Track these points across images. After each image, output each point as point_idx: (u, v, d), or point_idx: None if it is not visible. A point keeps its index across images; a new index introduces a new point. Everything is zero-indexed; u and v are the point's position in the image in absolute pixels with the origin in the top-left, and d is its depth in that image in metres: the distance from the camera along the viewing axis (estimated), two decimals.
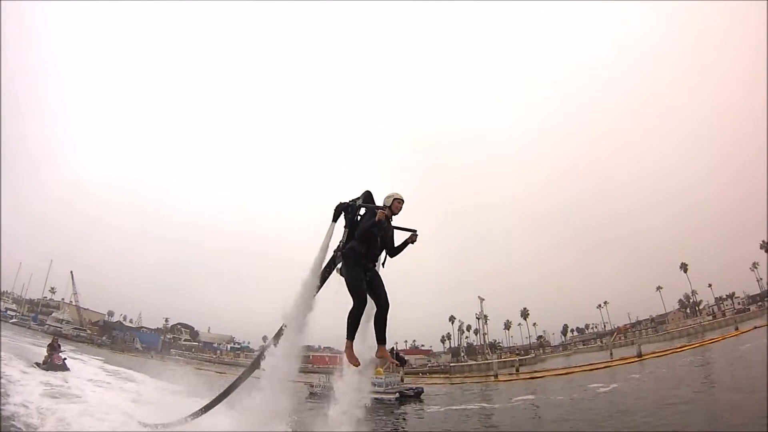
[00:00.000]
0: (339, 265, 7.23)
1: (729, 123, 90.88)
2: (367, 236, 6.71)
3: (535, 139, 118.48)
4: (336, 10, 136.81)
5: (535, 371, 46.21)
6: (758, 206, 72.85)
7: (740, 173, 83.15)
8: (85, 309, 62.77)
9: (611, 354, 46.57)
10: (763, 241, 65.63)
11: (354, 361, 6.31)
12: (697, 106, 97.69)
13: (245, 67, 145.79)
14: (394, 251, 7.06)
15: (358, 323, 6.35)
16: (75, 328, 57.48)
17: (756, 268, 65.66)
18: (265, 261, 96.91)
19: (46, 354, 20.47)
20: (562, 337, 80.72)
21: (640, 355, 37.12)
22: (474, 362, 69.13)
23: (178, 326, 69.83)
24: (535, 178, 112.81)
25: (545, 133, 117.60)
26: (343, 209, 7.63)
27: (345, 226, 7.61)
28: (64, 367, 20.06)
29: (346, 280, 6.63)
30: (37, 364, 19.47)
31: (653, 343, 57.71)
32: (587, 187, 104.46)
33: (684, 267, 70.59)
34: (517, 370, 47.75)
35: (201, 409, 10.56)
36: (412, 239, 6.99)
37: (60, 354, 20.81)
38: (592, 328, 79.08)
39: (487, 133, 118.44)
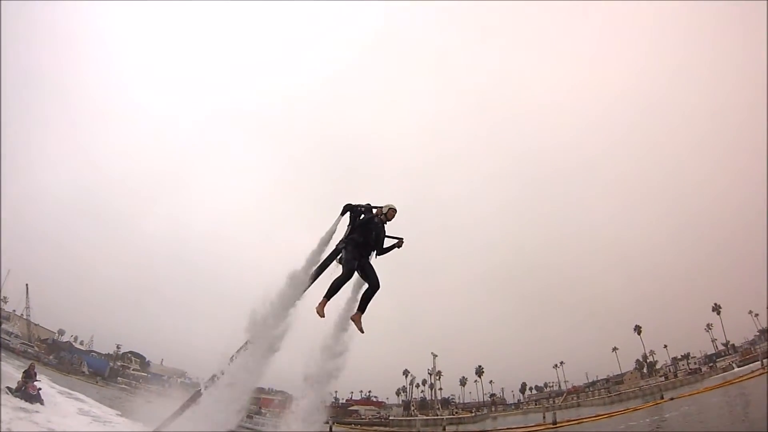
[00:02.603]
0: (339, 257, 9.20)
1: (679, 195, 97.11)
2: (364, 229, 8.74)
3: (487, 201, 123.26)
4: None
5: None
6: (712, 268, 77.25)
7: (693, 243, 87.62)
8: (35, 324, 64.33)
9: (543, 417, 48.74)
10: (715, 304, 69.76)
11: (321, 314, 8.55)
12: (648, 179, 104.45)
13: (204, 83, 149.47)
14: (382, 251, 8.95)
15: (337, 290, 8.52)
16: (23, 343, 58.48)
17: (710, 328, 71.28)
18: (225, 299, 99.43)
19: (20, 380, 19.14)
20: (521, 395, 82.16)
21: (554, 422, 40.21)
22: (424, 416, 70.53)
23: (129, 355, 71.36)
24: (483, 241, 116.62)
25: (498, 195, 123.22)
26: (349, 209, 9.25)
27: (348, 224, 9.32)
28: (38, 398, 18.72)
29: (343, 260, 8.93)
30: (9, 389, 18.31)
31: (596, 405, 59.64)
32: (536, 250, 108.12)
33: (638, 329, 74.54)
34: (444, 429, 49.71)
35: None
36: (398, 244, 8.90)
37: (35, 383, 19.39)
38: (550, 386, 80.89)
39: (439, 196, 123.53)
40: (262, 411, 45.18)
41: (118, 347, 71.66)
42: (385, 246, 9.10)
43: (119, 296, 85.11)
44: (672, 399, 40.94)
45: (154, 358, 75.49)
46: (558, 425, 39.76)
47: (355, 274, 9.00)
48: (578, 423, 40.72)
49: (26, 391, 17.92)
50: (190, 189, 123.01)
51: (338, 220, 9.82)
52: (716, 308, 70.15)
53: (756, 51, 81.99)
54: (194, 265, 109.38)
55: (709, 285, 76.40)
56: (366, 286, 8.98)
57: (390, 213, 8.93)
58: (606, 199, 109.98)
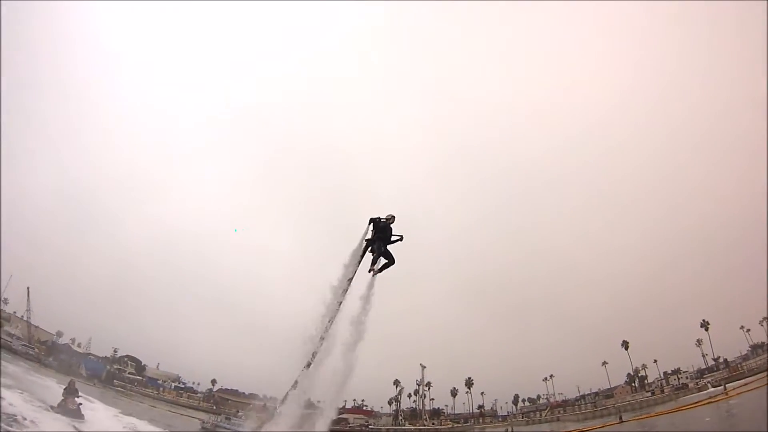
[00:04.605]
0: (371, 247, 16.19)
1: (662, 212, 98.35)
2: (383, 230, 15.96)
3: (475, 211, 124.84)
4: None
5: None
6: (703, 283, 78.90)
7: (683, 257, 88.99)
8: (36, 327, 67.81)
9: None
10: (703, 320, 72.32)
11: (373, 273, 16.52)
12: (638, 192, 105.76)
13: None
14: (391, 242, 16.12)
15: (377, 261, 16.24)
16: (24, 345, 62.00)
17: (700, 344, 73.57)
18: (223, 305, 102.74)
19: (63, 397, 20.42)
20: (513, 407, 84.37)
21: None
22: (411, 426, 73.82)
23: (125, 358, 74.97)
24: (466, 251, 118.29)
25: (486, 205, 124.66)
26: (372, 220, 16.28)
27: (372, 230, 16.24)
28: (78, 414, 20.01)
29: (376, 250, 16.04)
30: (51, 408, 19.58)
31: (572, 421, 62.67)
32: (520, 261, 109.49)
33: (625, 344, 76.33)
34: None
35: None
36: (400, 239, 16.07)
37: (76, 399, 20.73)
38: (543, 399, 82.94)
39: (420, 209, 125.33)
40: (239, 413, 48.73)
41: (115, 351, 75.37)
42: (392, 239, 16.21)
43: (113, 298, 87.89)
44: (622, 421, 43.78)
45: (150, 361, 79.27)
46: None
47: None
48: None
49: (66, 407, 19.81)
50: (178, 190, 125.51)
51: (367, 229, 16.40)
52: (704, 324, 72.43)
53: (756, 51, 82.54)
54: (184, 268, 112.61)
55: (700, 300, 77.50)
56: (384, 261, 16.35)
57: (392, 219, 16.11)
58: (596, 213, 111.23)
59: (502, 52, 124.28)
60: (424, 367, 78.65)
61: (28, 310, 68.13)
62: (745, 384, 45.59)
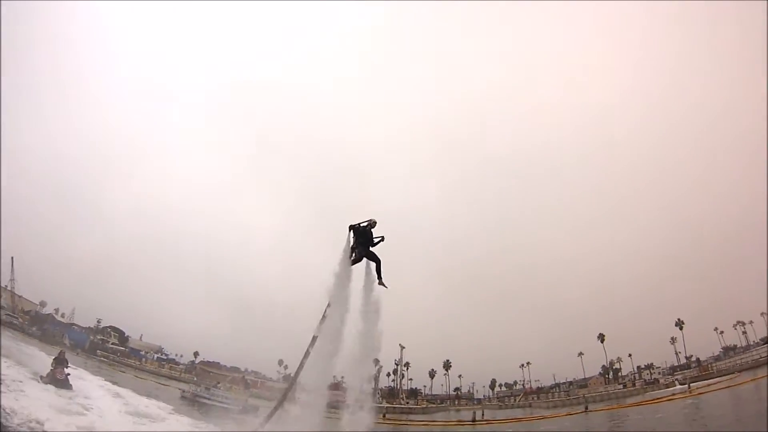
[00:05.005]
0: (354, 252, 16.48)
1: (651, 212, 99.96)
2: (363, 234, 16.41)
3: (461, 200, 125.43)
4: None
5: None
6: (682, 284, 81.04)
7: (664, 257, 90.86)
8: (19, 296, 68.21)
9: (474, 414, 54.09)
10: (678, 319, 75.26)
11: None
12: (627, 191, 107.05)
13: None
14: (374, 245, 16.66)
15: (358, 262, 16.85)
16: (8, 314, 62.44)
17: (674, 342, 77.09)
18: (207, 278, 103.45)
19: (51, 367, 20.46)
20: (490, 391, 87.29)
21: (473, 420, 46.25)
22: (388, 404, 76.22)
23: (108, 329, 76.01)
24: (449, 239, 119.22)
25: (467, 198, 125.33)
26: (352, 227, 16.59)
27: (353, 236, 16.60)
28: (66, 384, 19.90)
29: (359, 255, 16.60)
30: (41, 378, 19.72)
31: (542, 408, 66.20)
32: (503, 251, 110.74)
33: (601, 337, 79.01)
34: (384, 416, 55.37)
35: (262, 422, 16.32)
36: (381, 240, 16.58)
37: (64, 369, 20.66)
38: (519, 385, 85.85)
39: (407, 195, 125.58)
40: (218, 385, 50.81)
41: (98, 321, 76.38)
42: (375, 241, 16.74)
43: (97, 269, 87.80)
44: (588, 411, 45.84)
45: (134, 333, 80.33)
46: (476, 423, 45.51)
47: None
48: (497, 423, 46.77)
49: (54, 377, 19.78)
50: (165, 164, 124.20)
51: (348, 237, 16.81)
52: (679, 323, 75.65)
53: (756, 51, 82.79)
54: (169, 242, 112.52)
55: (678, 300, 79.76)
56: (373, 264, 16.87)
57: (373, 223, 16.44)
58: (584, 209, 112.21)
59: (502, 47, 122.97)
60: (403, 347, 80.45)
61: (12, 280, 68.33)
62: (709, 384, 47.81)
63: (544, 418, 47.76)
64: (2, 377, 17.29)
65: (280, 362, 79.97)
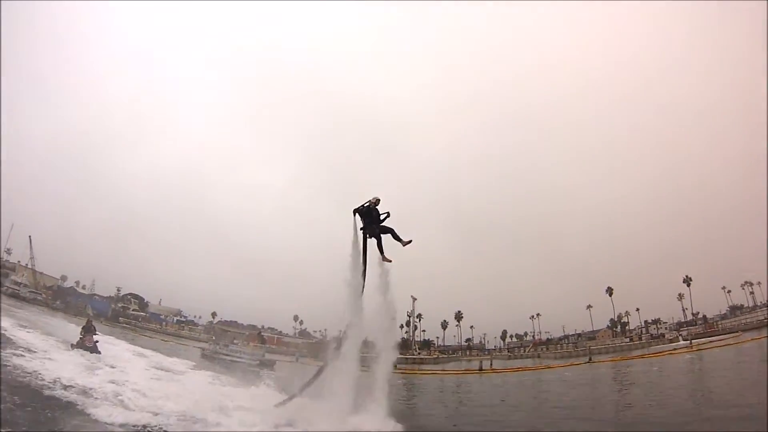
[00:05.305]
0: (366, 234, 15.77)
1: (662, 170, 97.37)
2: (368, 214, 15.54)
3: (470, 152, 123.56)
4: None
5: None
6: (693, 241, 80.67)
7: (676, 215, 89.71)
8: (41, 273, 70.51)
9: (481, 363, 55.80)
10: (686, 276, 76.25)
11: (387, 259, 15.70)
12: (641, 147, 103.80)
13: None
14: (379, 222, 15.68)
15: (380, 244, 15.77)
16: (31, 291, 65.35)
17: (681, 298, 77.62)
18: (220, 240, 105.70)
19: (80, 336, 21.73)
20: (501, 342, 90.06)
21: (480, 369, 47.87)
22: (400, 356, 78.52)
23: (128, 296, 79.10)
24: (463, 188, 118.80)
25: (483, 148, 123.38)
26: (357, 210, 15.79)
27: (361, 219, 15.72)
28: (95, 350, 21.11)
29: (371, 234, 15.66)
30: (72, 345, 20.96)
31: (550, 359, 67.76)
32: (515, 201, 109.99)
33: (609, 291, 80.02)
34: (395, 366, 58.38)
35: (287, 398, 15.36)
36: (387, 215, 15.76)
37: (93, 337, 21.91)
38: (529, 336, 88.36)
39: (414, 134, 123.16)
40: (235, 341, 54.06)
41: (118, 290, 79.46)
42: (381, 218, 15.96)
43: (113, 240, 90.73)
44: (591, 362, 47.39)
45: (152, 298, 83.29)
46: (483, 372, 47.48)
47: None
48: (502, 372, 48.80)
49: (83, 344, 21.12)
50: (172, 130, 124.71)
51: (355, 221, 16.25)
52: (687, 280, 75.94)
53: (755, 51, 78.40)
54: (181, 207, 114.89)
55: (688, 258, 79.94)
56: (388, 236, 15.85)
57: (376, 201, 15.83)
58: (597, 163, 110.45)
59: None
60: (415, 299, 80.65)
61: (32, 258, 70.67)
62: (711, 341, 48.79)
63: (548, 367, 49.31)
64: (32, 348, 18.30)
65: (296, 317, 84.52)
